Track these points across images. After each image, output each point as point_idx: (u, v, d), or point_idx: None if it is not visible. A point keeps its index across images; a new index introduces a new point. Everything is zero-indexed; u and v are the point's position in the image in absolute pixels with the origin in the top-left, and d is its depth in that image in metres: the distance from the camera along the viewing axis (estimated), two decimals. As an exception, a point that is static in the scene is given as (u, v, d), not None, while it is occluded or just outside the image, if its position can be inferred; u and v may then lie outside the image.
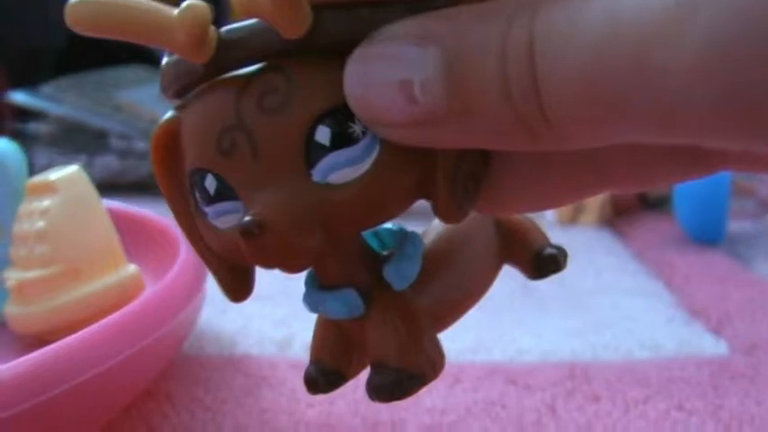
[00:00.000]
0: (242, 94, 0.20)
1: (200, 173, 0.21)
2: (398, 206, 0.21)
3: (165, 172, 0.23)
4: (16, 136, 0.78)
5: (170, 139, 0.22)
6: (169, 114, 0.22)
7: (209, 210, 0.21)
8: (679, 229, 0.70)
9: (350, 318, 0.23)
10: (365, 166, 0.20)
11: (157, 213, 0.49)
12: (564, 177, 0.22)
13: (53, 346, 0.30)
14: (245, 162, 0.20)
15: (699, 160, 0.22)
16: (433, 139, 0.19)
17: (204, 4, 0.19)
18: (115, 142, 0.81)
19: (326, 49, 0.20)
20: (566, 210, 0.78)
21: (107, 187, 0.53)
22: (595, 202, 0.77)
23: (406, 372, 0.23)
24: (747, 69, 0.14)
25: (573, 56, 0.16)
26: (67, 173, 0.43)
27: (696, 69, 0.15)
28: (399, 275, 0.23)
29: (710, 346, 0.48)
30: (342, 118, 0.19)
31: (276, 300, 0.52)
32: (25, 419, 0.28)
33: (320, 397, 0.39)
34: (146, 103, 0.87)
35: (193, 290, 0.38)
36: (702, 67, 0.15)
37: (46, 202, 0.41)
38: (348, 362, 0.25)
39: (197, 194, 0.22)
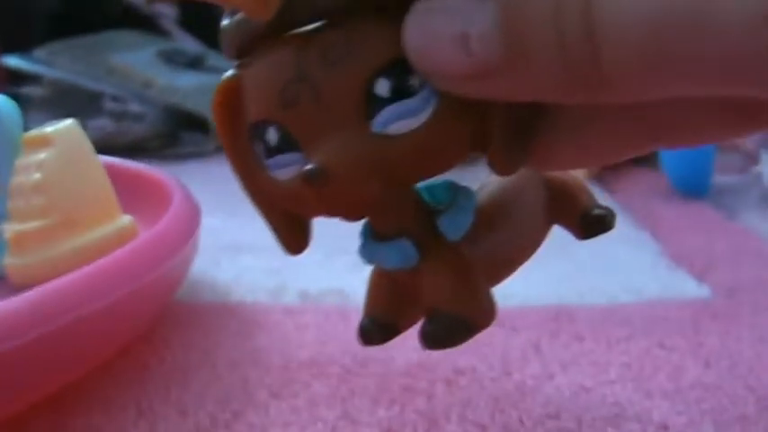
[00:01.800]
0: (304, 49, 0.21)
1: (263, 125, 0.22)
2: (454, 157, 0.22)
3: (227, 128, 0.24)
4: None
5: (231, 96, 0.23)
6: (230, 72, 0.23)
7: (270, 162, 0.22)
8: (666, 183, 0.71)
9: (404, 268, 0.24)
10: (422, 118, 0.20)
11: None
12: (615, 134, 0.23)
13: (45, 286, 0.31)
14: (308, 113, 0.21)
15: (750, 116, 0.22)
16: (489, 92, 0.19)
17: None
18: (109, 104, 0.82)
19: (387, 5, 0.20)
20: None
21: (102, 149, 0.54)
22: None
23: (458, 318, 0.24)
24: None
25: (631, 3, 0.16)
26: (63, 126, 0.43)
27: (758, 17, 0.15)
28: (453, 226, 0.24)
29: (693, 289, 0.49)
30: (401, 71, 0.20)
31: (270, 251, 0.53)
32: (19, 356, 0.29)
33: (311, 337, 0.40)
34: (139, 65, 0.88)
35: (185, 237, 0.39)
36: (765, 19, 0.15)
37: (42, 155, 0.42)
38: (401, 315, 0.26)
39: (258, 148, 0.22)
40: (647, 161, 0.77)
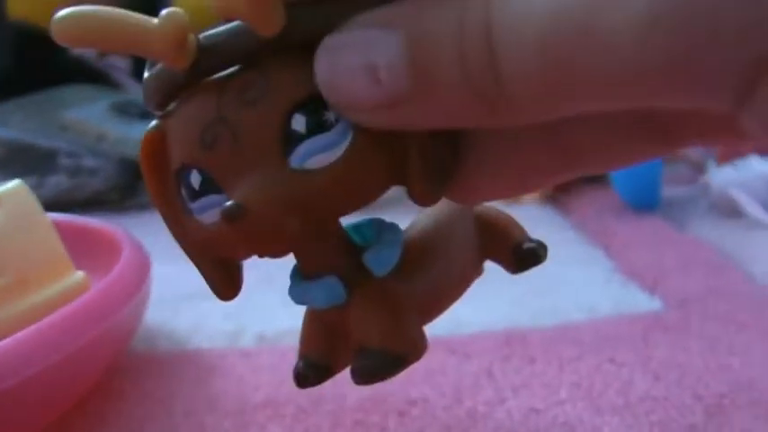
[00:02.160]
0: (222, 92, 0.21)
1: (186, 170, 0.22)
2: (373, 190, 0.22)
3: (154, 178, 0.24)
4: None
5: (156, 146, 0.23)
6: (154, 123, 0.23)
7: (194, 206, 0.23)
8: (617, 199, 0.72)
9: (333, 305, 0.24)
10: (339, 151, 0.21)
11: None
12: (531, 161, 0.23)
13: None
14: (227, 154, 0.21)
15: (659, 137, 0.22)
16: (401, 121, 0.20)
17: (182, 12, 0.20)
18: (64, 161, 0.82)
19: (301, 44, 0.21)
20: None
21: (59, 206, 0.54)
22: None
23: (386, 353, 0.24)
24: (694, 27, 0.15)
25: (527, 27, 0.17)
26: (10, 187, 0.44)
27: (644, 29, 0.15)
28: (379, 261, 0.24)
29: (645, 303, 0.50)
30: (316, 106, 0.21)
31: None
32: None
33: (266, 378, 0.41)
34: (92, 120, 0.88)
35: (134, 287, 0.40)
36: (650, 27, 0.15)
37: (-10, 217, 0.42)
38: (334, 355, 0.27)
39: (183, 192, 0.23)
40: (599, 179, 0.78)
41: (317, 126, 0.21)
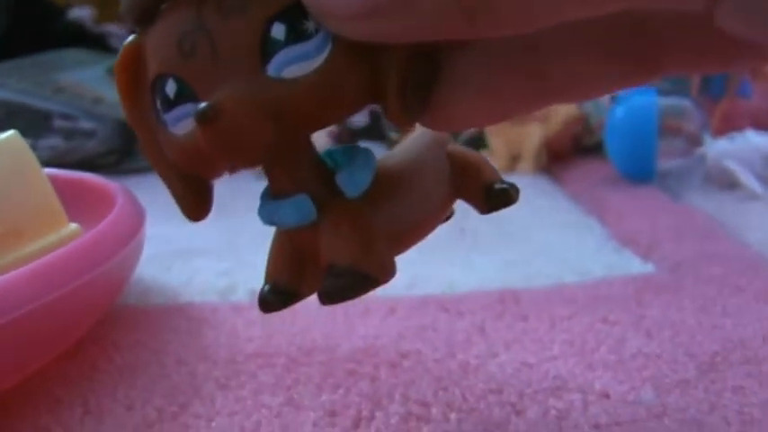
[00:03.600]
0: (202, 2, 0.21)
1: (162, 79, 0.22)
2: (349, 104, 0.22)
3: (129, 91, 0.23)
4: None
5: (133, 59, 0.23)
6: (132, 36, 0.23)
7: (169, 116, 0.22)
8: (613, 171, 0.72)
9: (303, 224, 0.24)
10: (317, 62, 0.21)
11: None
12: (509, 86, 0.23)
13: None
14: (205, 62, 0.21)
15: (638, 63, 0.22)
16: (380, 32, 0.19)
17: None
18: (59, 123, 0.81)
19: None
20: (503, 158, 0.79)
21: (54, 167, 0.54)
22: (531, 151, 0.78)
23: (356, 271, 0.23)
24: None
25: None
26: (4, 138, 0.43)
27: None
28: (351, 182, 0.24)
29: (638, 267, 0.50)
30: (296, 15, 0.20)
31: (220, 254, 0.54)
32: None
33: (258, 332, 0.41)
34: (87, 82, 0.88)
35: (127, 236, 0.39)
36: None
37: (-16, 167, 0.42)
38: (302, 279, 0.26)
39: (158, 104, 0.22)
40: (594, 151, 0.78)
41: (297, 35, 0.21)
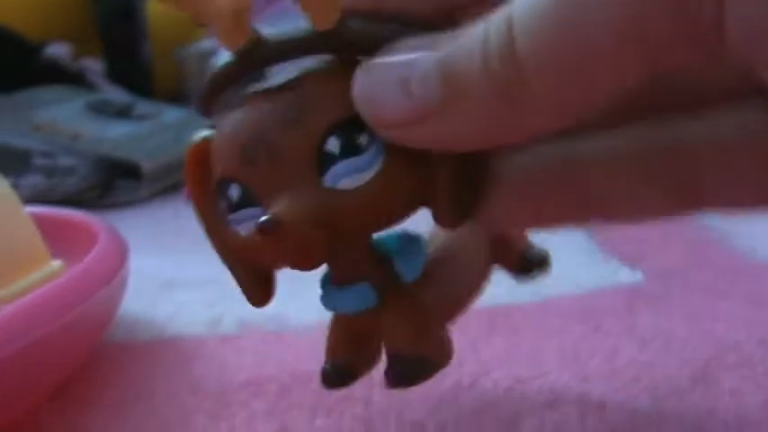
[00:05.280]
0: (263, 110, 0.23)
1: (226, 183, 0.24)
2: (401, 211, 0.24)
3: (197, 187, 0.26)
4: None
5: (201, 157, 0.25)
6: (201, 134, 0.25)
7: (233, 217, 0.24)
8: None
9: (364, 310, 0.26)
10: (370, 173, 0.22)
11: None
12: (550, 199, 0.25)
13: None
14: (265, 172, 0.23)
15: (684, 194, 0.23)
16: (430, 138, 0.21)
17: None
18: (39, 161, 0.81)
19: (347, 52, 0.23)
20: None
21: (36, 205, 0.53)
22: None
23: (420, 358, 0.25)
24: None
25: (541, 12, 0.18)
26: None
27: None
28: (408, 268, 0.26)
29: (627, 277, 0.49)
30: (350, 130, 0.22)
31: (206, 285, 0.53)
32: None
33: (249, 361, 0.40)
34: (66, 120, 0.87)
35: (110, 272, 0.39)
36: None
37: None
38: (360, 359, 0.28)
39: (223, 204, 0.24)
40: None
41: (350, 148, 0.22)
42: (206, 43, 1.11)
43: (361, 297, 0.25)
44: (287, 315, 0.46)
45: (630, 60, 0.18)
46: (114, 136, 0.85)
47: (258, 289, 0.27)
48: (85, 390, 0.39)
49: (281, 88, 0.23)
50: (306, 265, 0.24)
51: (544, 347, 0.39)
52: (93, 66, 1.11)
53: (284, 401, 0.35)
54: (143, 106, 0.95)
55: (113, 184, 0.82)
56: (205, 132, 0.25)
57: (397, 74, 0.21)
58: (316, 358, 0.39)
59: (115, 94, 1.02)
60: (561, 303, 0.45)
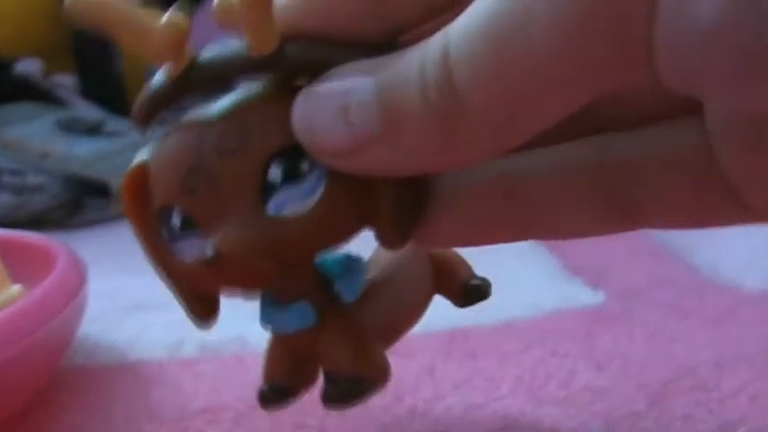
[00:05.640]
0: (202, 138, 0.23)
1: (167, 210, 0.24)
2: (344, 235, 0.24)
3: (136, 212, 0.26)
4: None
5: (139, 182, 0.25)
6: (137, 160, 0.25)
7: (175, 246, 0.24)
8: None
9: (303, 329, 0.26)
10: (313, 200, 0.22)
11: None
12: (490, 216, 0.25)
13: None
14: (206, 200, 0.23)
15: (624, 210, 0.24)
16: (371, 165, 0.21)
17: (187, 18, 0.22)
18: (7, 179, 0.81)
19: (286, 75, 0.23)
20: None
21: (4, 224, 0.53)
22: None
23: (357, 378, 0.26)
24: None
25: (476, 39, 0.18)
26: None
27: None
28: (349, 289, 0.27)
29: (589, 298, 0.50)
30: (291, 156, 0.22)
31: (168, 307, 0.53)
32: None
33: (206, 387, 0.40)
34: (34, 137, 0.87)
35: (67, 298, 0.39)
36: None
37: None
38: (298, 378, 0.28)
39: (164, 232, 0.24)
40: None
41: (292, 175, 0.22)
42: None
43: (300, 316, 0.26)
44: (247, 338, 0.46)
45: (573, 86, 0.18)
46: (83, 154, 0.85)
47: (203, 312, 0.28)
48: (43, 415, 0.39)
49: (220, 114, 0.23)
50: (249, 291, 0.25)
51: (501, 372, 0.39)
52: (66, 81, 1.10)
53: (240, 429, 0.35)
54: (113, 123, 0.95)
55: (82, 202, 0.82)
56: (142, 157, 0.25)
57: (336, 101, 0.21)
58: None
59: (87, 111, 1.02)
60: (520, 326, 0.45)
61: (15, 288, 0.44)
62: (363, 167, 0.21)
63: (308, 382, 0.29)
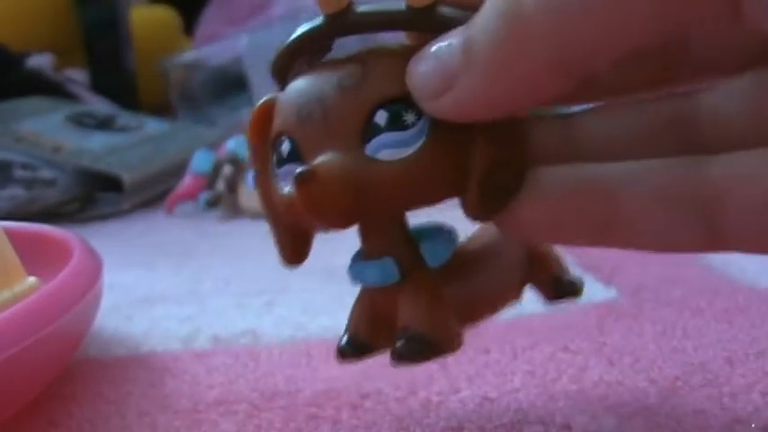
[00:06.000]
0: (326, 76, 0.25)
1: (280, 137, 0.26)
2: (432, 195, 0.25)
3: (257, 142, 0.27)
4: None
5: (265, 115, 0.27)
6: (269, 95, 0.27)
7: (280, 171, 0.26)
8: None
9: (385, 285, 0.27)
10: (409, 151, 0.23)
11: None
12: (577, 215, 0.25)
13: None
14: (317, 129, 0.24)
15: (710, 230, 0.23)
16: (459, 102, 0.22)
17: None
18: (19, 173, 0.81)
19: (430, 34, 0.24)
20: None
21: (16, 218, 0.54)
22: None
23: (428, 340, 0.26)
24: None
25: None
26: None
27: None
28: (433, 253, 0.27)
29: (601, 293, 0.50)
30: (400, 107, 0.24)
31: (182, 300, 0.54)
32: None
33: (220, 378, 0.40)
34: (47, 131, 0.87)
35: (83, 290, 0.39)
36: None
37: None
38: (378, 335, 0.29)
39: (274, 158, 0.26)
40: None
41: (396, 123, 0.24)
42: (189, 54, 1.11)
43: (384, 271, 0.26)
44: (260, 331, 0.46)
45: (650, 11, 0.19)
46: (95, 148, 0.86)
47: (294, 249, 0.28)
48: (56, 407, 0.39)
49: (348, 59, 0.25)
50: (329, 222, 0.25)
51: (514, 366, 0.39)
52: (77, 76, 1.10)
53: (252, 421, 0.35)
54: (125, 118, 0.95)
55: (94, 196, 0.82)
56: (272, 94, 0.27)
57: (436, 50, 0.23)
58: (285, 376, 0.40)
59: (98, 106, 1.02)
60: (533, 321, 0.45)
61: (31, 280, 0.44)
62: (455, 108, 0.22)
63: (385, 342, 0.28)
